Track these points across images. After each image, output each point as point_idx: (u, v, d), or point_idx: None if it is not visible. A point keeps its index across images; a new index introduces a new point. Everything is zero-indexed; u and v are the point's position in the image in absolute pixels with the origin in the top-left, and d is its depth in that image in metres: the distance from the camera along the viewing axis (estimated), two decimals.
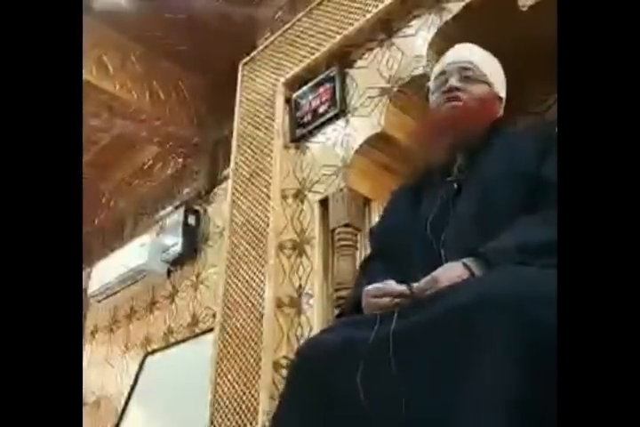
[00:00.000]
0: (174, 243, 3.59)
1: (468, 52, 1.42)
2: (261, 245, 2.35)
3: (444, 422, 0.85)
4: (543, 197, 1.08)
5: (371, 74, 2.33)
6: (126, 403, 3.57)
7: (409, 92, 2.21)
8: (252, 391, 2.08)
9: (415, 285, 1.07)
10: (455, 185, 1.28)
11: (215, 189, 3.69)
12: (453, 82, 1.35)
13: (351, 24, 2.40)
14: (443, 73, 1.39)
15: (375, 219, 2.15)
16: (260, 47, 2.89)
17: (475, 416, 0.81)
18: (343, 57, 2.47)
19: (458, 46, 1.46)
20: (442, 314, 0.92)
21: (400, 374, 0.92)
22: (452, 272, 1.04)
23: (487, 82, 1.38)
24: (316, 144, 2.44)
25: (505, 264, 1.01)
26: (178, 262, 3.63)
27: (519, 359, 0.82)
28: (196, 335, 3.32)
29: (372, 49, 2.38)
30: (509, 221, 1.10)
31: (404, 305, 1.03)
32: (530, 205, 1.12)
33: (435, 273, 1.06)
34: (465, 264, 1.05)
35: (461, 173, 1.30)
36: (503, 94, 1.42)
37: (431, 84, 1.44)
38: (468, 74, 1.36)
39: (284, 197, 2.42)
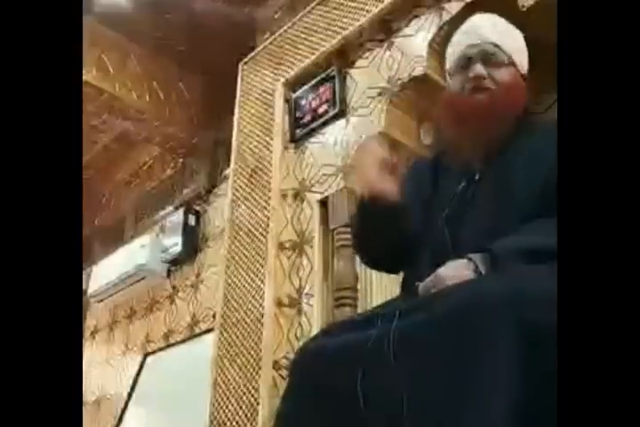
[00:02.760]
0: (174, 243, 3.59)
1: (489, 30, 1.32)
2: (261, 245, 2.35)
3: (445, 422, 0.85)
4: None
5: (371, 74, 2.33)
6: (126, 403, 3.57)
7: (409, 92, 2.21)
8: (252, 391, 2.08)
9: (420, 285, 1.06)
10: (477, 176, 1.24)
11: (215, 189, 3.69)
12: (479, 69, 1.25)
13: (351, 24, 2.40)
14: (465, 57, 1.28)
15: None
16: (260, 47, 2.89)
17: (476, 417, 0.81)
18: (343, 57, 2.47)
19: (478, 20, 1.37)
20: (443, 314, 0.92)
21: (400, 374, 0.92)
22: (457, 270, 1.03)
23: (513, 62, 1.29)
24: (316, 144, 2.44)
25: (512, 263, 1.00)
26: (178, 262, 3.63)
27: (520, 359, 0.82)
28: (196, 335, 3.32)
29: (372, 49, 2.38)
30: (525, 221, 1.08)
31: (406, 305, 1.03)
32: (549, 207, 1.09)
33: (439, 271, 1.05)
34: (471, 261, 1.04)
35: (483, 164, 1.26)
36: (526, 71, 1.33)
37: (449, 65, 1.34)
38: (493, 58, 1.27)
39: (284, 197, 2.42)
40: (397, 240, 1.26)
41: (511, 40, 1.33)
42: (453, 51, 1.34)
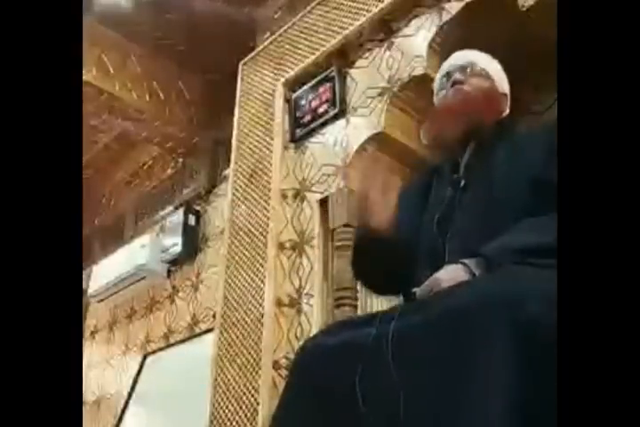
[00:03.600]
0: (174, 243, 3.59)
1: (467, 54, 1.45)
2: (261, 245, 2.35)
3: (442, 422, 0.85)
4: (548, 200, 1.07)
5: (371, 74, 2.33)
6: (126, 403, 3.57)
7: (409, 92, 2.21)
8: (252, 391, 2.08)
9: (418, 289, 1.07)
10: (462, 182, 1.28)
11: (215, 189, 3.69)
12: (457, 76, 1.38)
13: (351, 24, 2.40)
14: (445, 75, 1.42)
15: None
16: (260, 47, 2.89)
17: (475, 417, 0.81)
18: (343, 57, 2.47)
19: (458, 52, 1.49)
20: (441, 315, 0.92)
21: (399, 375, 0.92)
22: (452, 273, 1.05)
23: (488, 77, 1.40)
24: (316, 144, 2.44)
25: (505, 264, 1.01)
26: (178, 262, 3.63)
27: (519, 360, 0.82)
28: (196, 335, 3.32)
29: (371, 49, 2.38)
30: (514, 223, 1.10)
31: (404, 306, 1.03)
32: (535, 207, 1.11)
33: (436, 274, 1.06)
34: (465, 265, 1.05)
35: (468, 170, 1.30)
36: (507, 91, 1.43)
37: (435, 87, 1.47)
38: (469, 70, 1.39)
39: (284, 197, 2.42)
40: (395, 267, 1.28)
41: (487, 62, 1.44)
42: (437, 76, 1.47)
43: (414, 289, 1.09)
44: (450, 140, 1.34)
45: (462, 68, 1.39)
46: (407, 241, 1.28)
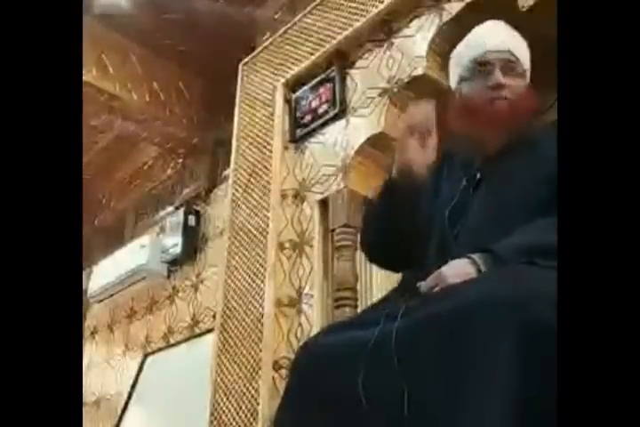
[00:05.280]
0: (174, 243, 3.59)
1: (507, 38, 1.33)
2: (261, 245, 2.35)
3: (446, 422, 0.85)
4: None
5: (371, 74, 2.33)
6: (126, 403, 3.58)
7: (409, 92, 2.21)
8: (252, 391, 2.08)
9: (422, 284, 1.06)
10: (478, 176, 1.25)
11: (215, 190, 3.69)
12: (500, 78, 1.26)
13: (351, 24, 2.40)
14: (484, 63, 1.28)
15: None
16: (260, 47, 2.89)
17: (477, 416, 0.81)
18: (343, 57, 2.47)
19: (492, 26, 1.37)
20: (445, 313, 0.92)
21: (402, 373, 0.92)
22: (459, 269, 1.03)
23: (525, 72, 1.32)
24: (316, 144, 2.45)
25: (513, 263, 1.00)
26: (178, 263, 3.64)
27: (522, 359, 0.82)
28: (196, 335, 3.33)
29: (371, 49, 2.38)
30: (526, 222, 1.09)
31: (408, 304, 1.02)
32: (549, 207, 1.10)
33: (442, 269, 1.05)
34: (473, 260, 1.04)
35: (484, 165, 1.27)
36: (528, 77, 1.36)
37: (464, 67, 1.32)
38: (511, 67, 1.29)
39: (284, 198, 2.42)
40: (407, 232, 1.24)
41: (524, 48, 1.34)
42: (468, 53, 1.33)
43: (419, 283, 1.08)
44: (476, 141, 1.30)
45: (504, 64, 1.27)
46: (420, 224, 1.24)
